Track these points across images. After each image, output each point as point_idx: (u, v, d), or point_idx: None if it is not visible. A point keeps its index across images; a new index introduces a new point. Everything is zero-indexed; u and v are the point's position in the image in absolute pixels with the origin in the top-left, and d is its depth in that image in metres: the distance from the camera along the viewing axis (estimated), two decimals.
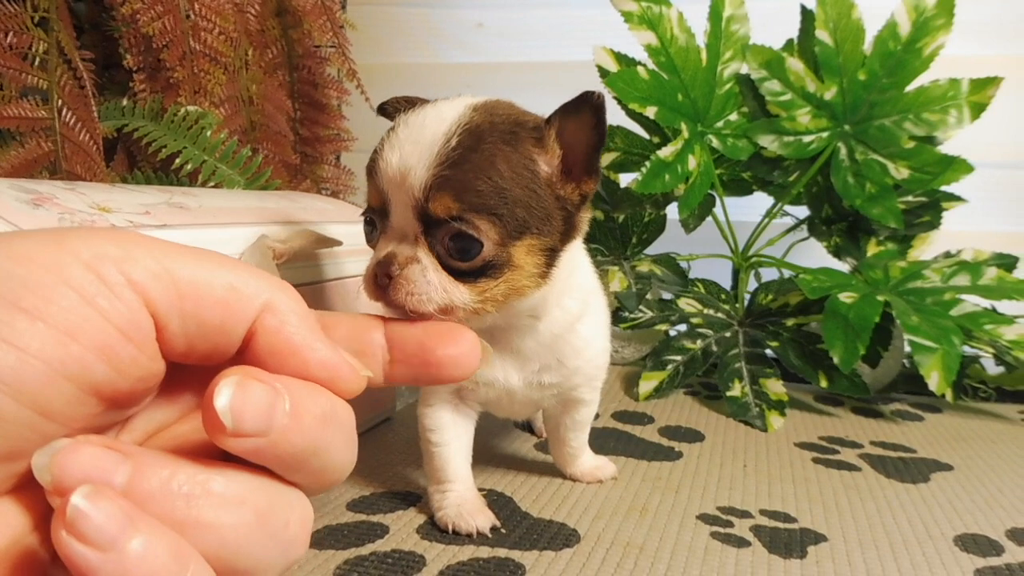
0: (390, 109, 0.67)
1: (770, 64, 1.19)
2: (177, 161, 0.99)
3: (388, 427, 0.95)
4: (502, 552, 0.61)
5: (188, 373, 0.31)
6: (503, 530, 0.65)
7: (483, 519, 0.66)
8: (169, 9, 1.02)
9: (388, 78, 1.76)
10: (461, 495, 0.69)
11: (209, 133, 1.03)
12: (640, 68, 1.14)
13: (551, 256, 0.60)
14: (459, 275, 0.56)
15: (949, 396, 1.00)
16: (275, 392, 0.27)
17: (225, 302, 0.29)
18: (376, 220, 0.59)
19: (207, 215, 0.65)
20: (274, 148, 1.21)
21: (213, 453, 0.28)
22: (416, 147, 0.56)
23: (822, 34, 1.17)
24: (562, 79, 1.70)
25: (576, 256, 0.66)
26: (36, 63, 0.88)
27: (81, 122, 0.93)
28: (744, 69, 1.21)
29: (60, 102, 0.90)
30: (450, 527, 0.66)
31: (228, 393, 0.26)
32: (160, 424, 0.31)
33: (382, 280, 0.55)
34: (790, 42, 1.24)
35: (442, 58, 1.82)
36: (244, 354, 0.30)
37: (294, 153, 1.28)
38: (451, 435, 0.71)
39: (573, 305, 0.68)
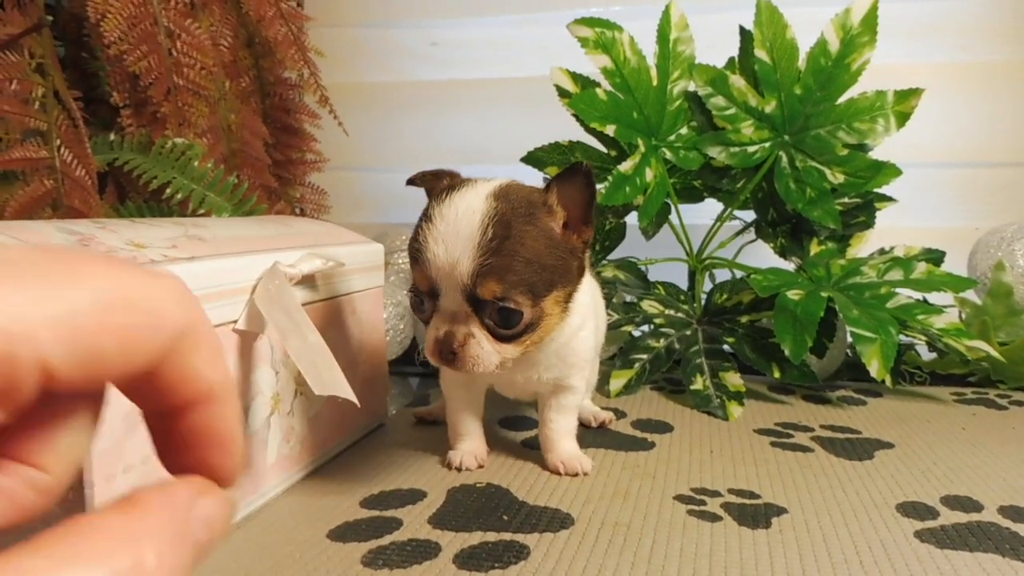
0: (418, 182, 0.81)
1: (715, 81, 1.29)
2: (168, 191, 1.05)
3: (383, 432, 1.02)
4: (507, 536, 0.69)
5: None
6: (505, 517, 0.73)
7: (471, 460, 0.86)
8: (153, 48, 1.07)
9: (351, 96, 1.82)
10: (469, 445, 0.88)
11: (196, 163, 1.08)
12: (599, 90, 1.23)
13: (570, 296, 0.76)
14: (506, 339, 0.72)
15: (888, 381, 1.11)
16: None
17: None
18: (425, 299, 0.73)
19: (224, 245, 0.72)
20: (253, 173, 1.27)
21: None
22: (458, 241, 0.69)
23: (760, 53, 1.28)
24: (517, 95, 1.78)
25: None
26: (36, 106, 0.93)
27: (77, 159, 0.98)
28: (691, 87, 1.30)
29: (58, 142, 0.95)
30: (447, 462, 0.86)
31: None
32: None
33: (447, 356, 0.71)
34: (732, 60, 1.34)
35: (401, 76, 1.89)
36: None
37: (271, 177, 1.34)
38: (462, 403, 0.90)
39: (576, 320, 0.82)
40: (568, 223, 0.74)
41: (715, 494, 0.80)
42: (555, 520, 0.73)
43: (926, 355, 1.39)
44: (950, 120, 1.65)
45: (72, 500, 0.53)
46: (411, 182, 0.82)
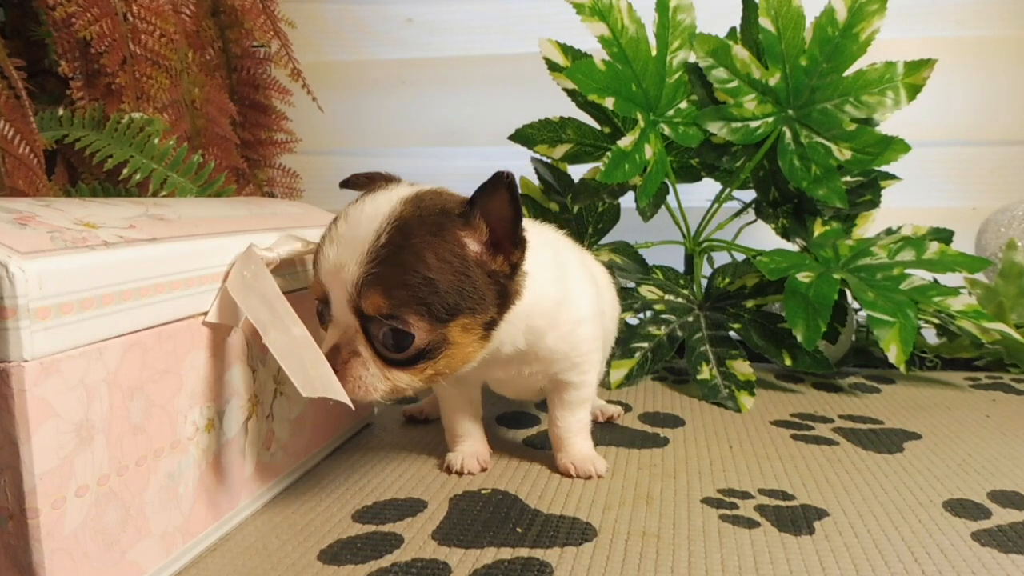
0: (351, 186, 0.73)
1: (716, 52, 1.21)
2: (125, 171, 0.94)
3: (371, 433, 0.93)
4: (524, 552, 0.60)
5: None
6: (519, 529, 0.64)
7: (472, 463, 0.78)
8: (106, 12, 0.96)
9: (322, 77, 1.71)
10: (469, 446, 0.80)
11: (157, 140, 0.98)
12: (597, 60, 1.15)
13: (490, 325, 0.65)
14: (397, 364, 0.62)
15: (902, 367, 1.04)
16: None
17: None
18: (323, 308, 0.64)
19: (190, 226, 0.62)
20: (220, 153, 1.16)
21: None
22: (351, 244, 0.60)
23: (765, 22, 1.20)
24: (499, 73, 1.70)
25: (537, 285, 0.69)
26: None
27: (20, 135, 0.87)
28: (692, 58, 1.22)
29: None
30: (445, 466, 0.79)
31: None
32: None
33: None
34: (733, 30, 1.26)
35: (373, 54, 1.79)
36: None
37: (239, 157, 1.24)
38: (457, 402, 0.81)
39: (541, 323, 0.72)
40: (493, 242, 0.64)
41: (745, 495, 0.73)
42: (575, 531, 0.64)
43: (932, 339, 1.33)
44: (946, 98, 1.59)
45: (12, 532, 0.44)
46: (345, 185, 0.74)
